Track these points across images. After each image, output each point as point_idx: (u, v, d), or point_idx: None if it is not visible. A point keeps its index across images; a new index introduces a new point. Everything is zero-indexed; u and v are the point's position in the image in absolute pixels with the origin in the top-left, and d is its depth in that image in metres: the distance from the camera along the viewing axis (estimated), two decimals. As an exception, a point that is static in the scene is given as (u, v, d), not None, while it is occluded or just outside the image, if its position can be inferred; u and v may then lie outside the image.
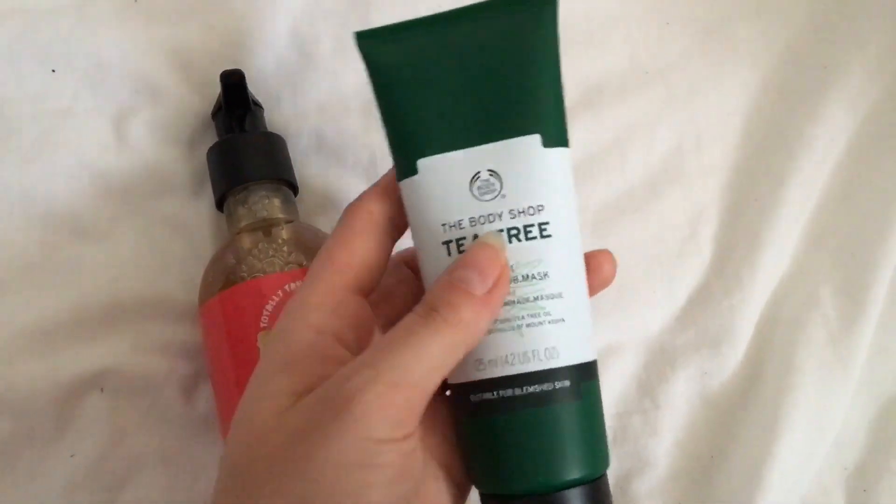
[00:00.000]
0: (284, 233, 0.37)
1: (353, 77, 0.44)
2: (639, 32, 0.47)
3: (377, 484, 0.24)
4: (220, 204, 0.39)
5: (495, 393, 0.28)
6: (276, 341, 0.27)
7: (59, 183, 0.39)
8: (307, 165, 0.42)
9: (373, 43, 0.31)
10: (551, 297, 0.29)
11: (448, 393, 0.30)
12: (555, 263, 0.29)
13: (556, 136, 0.29)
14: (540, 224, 0.29)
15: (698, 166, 0.45)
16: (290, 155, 0.41)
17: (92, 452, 0.38)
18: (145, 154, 0.41)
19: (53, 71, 0.41)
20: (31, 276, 0.38)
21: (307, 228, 0.39)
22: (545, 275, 0.29)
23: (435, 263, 0.29)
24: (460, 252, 0.29)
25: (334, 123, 0.43)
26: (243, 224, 0.38)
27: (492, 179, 0.29)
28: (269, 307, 0.35)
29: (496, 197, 0.29)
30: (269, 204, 0.38)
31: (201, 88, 0.42)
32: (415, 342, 0.25)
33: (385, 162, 0.42)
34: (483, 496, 0.29)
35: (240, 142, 0.39)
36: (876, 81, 0.47)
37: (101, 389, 0.38)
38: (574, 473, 0.28)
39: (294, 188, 0.40)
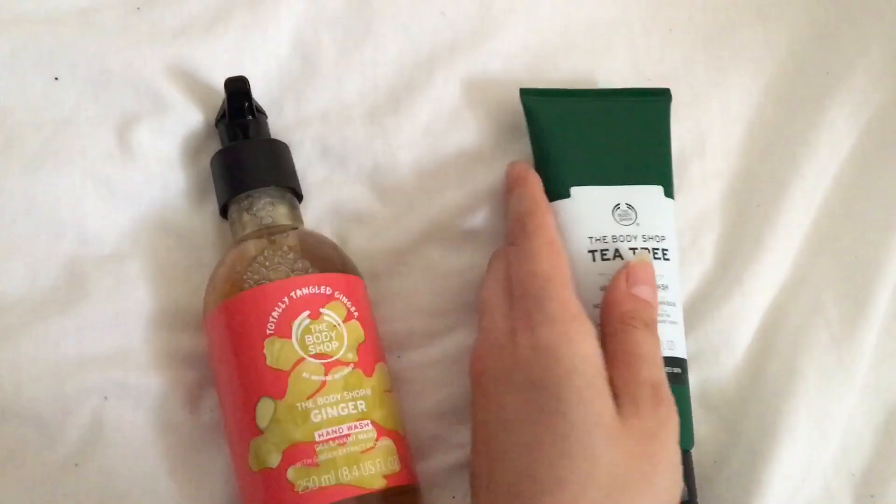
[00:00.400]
0: (290, 239, 0.37)
1: (356, 84, 0.44)
2: (642, 39, 0.47)
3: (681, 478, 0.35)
4: (224, 211, 0.39)
5: None
6: (585, 353, 0.33)
7: (63, 192, 0.39)
8: (310, 173, 0.42)
9: (534, 99, 0.43)
10: (670, 304, 0.39)
11: None
12: (671, 279, 0.39)
13: (669, 190, 0.41)
14: (662, 249, 0.40)
15: (701, 173, 0.46)
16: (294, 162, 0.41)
17: (96, 462, 0.37)
18: (148, 162, 0.41)
19: (56, 79, 0.41)
20: (37, 285, 0.38)
21: (312, 235, 0.39)
22: (666, 287, 0.39)
23: (580, 269, 0.38)
24: (604, 260, 0.39)
25: (337, 130, 0.43)
26: (248, 231, 0.38)
27: (629, 211, 0.40)
28: (275, 314, 0.34)
29: (632, 224, 0.40)
30: (273, 211, 0.38)
31: (204, 96, 0.42)
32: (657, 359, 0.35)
33: (387, 167, 0.42)
34: None
35: (244, 149, 0.39)
36: (879, 87, 0.47)
37: (106, 398, 0.38)
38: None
39: (298, 195, 0.40)
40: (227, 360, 0.35)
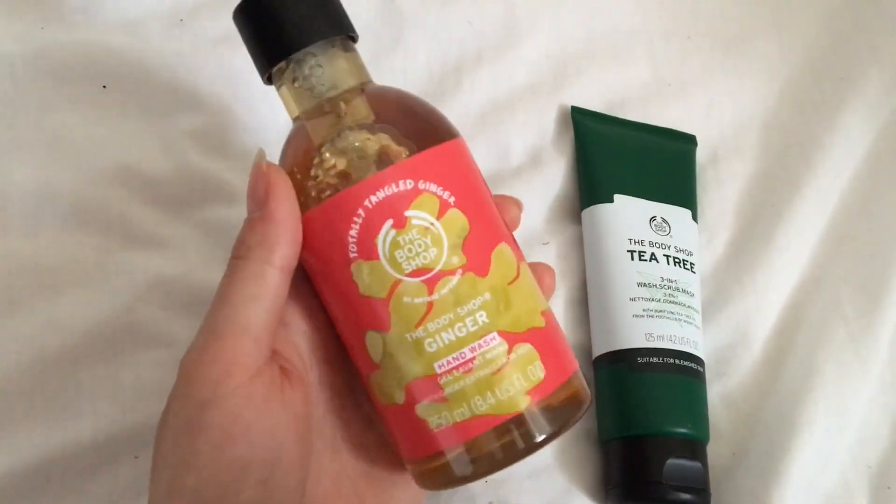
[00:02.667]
0: (353, 115, 0.29)
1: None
2: (661, 47, 0.49)
3: None
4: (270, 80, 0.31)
5: (660, 358, 0.40)
6: None
7: (111, 190, 0.41)
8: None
9: (583, 117, 0.46)
10: (696, 310, 0.42)
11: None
12: (696, 289, 0.43)
13: (695, 216, 0.45)
14: (690, 262, 0.43)
15: (716, 174, 0.47)
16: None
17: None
18: (191, 163, 0.42)
19: (104, 87, 0.42)
20: (87, 280, 0.39)
21: (382, 97, 0.30)
22: (693, 295, 0.42)
23: (618, 265, 0.42)
24: (641, 260, 0.41)
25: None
26: (302, 109, 0.30)
27: (664, 224, 0.43)
28: (353, 232, 0.28)
29: (666, 235, 0.43)
30: (324, 73, 0.29)
31: (245, 101, 0.43)
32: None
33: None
34: (620, 441, 0.39)
35: None
36: (892, 92, 0.48)
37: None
38: (695, 430, 0.39)
39: (353, 38, 0.31)
40: (322, 292, 0.30)
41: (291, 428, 0.28)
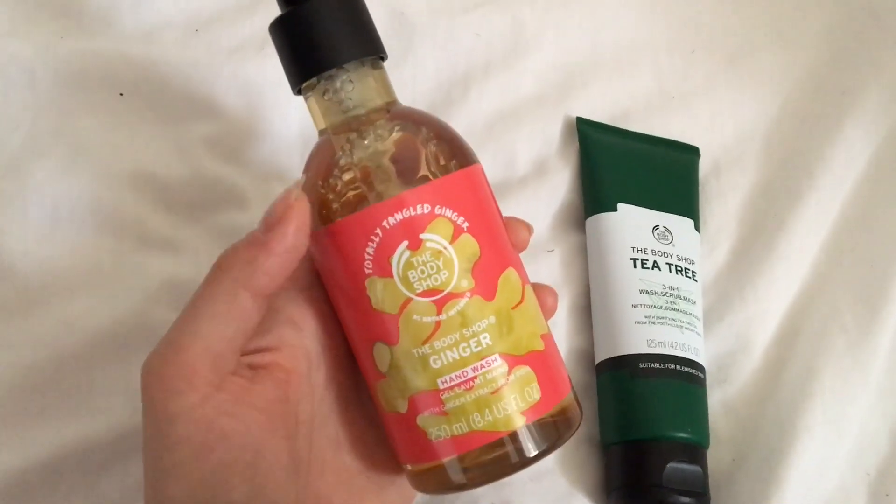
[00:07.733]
0: (379, 136, 0.30)
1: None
2: (665, 59, 0.50)
3: None
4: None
5: (661, 364, 0.40)
6: None
7: (126, 194, 0.41)
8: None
9: (588, 128, 0.47)
10: (697, 317, 0.43)
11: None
12: (698, 297, 0.43)
13: (697, 226, 0.46)
14: (692, 271, 0.44)
15: (718, 185, 0.48)
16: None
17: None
18: (205, 168, 0.43)
19: (121, 94, 0.43)
20: (102, 282, 0.40)
21: (407, 119, 0.31)
22: (694, 303, 0.43)
23: (621, 272, 0.43)
24: (643, 268, 0.42)
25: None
26: (329, 122, 0.31)
27: (667, 232, 0.44)
28: (369, 250, 0.29)
29: (669, 243, 0.44)
30: (354, 91, 0.30)
31: (258, 109, 0.44)
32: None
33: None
34: (621, 446, 0.40)
35: (306, 14, 0.30)
36: (892, 106, 0.49)
37: None
38: (695, 435, 0.40)
39: (382, 57, 0.32)
40: (335, 299, 0.31)
41: (266, 426, 0.28)
